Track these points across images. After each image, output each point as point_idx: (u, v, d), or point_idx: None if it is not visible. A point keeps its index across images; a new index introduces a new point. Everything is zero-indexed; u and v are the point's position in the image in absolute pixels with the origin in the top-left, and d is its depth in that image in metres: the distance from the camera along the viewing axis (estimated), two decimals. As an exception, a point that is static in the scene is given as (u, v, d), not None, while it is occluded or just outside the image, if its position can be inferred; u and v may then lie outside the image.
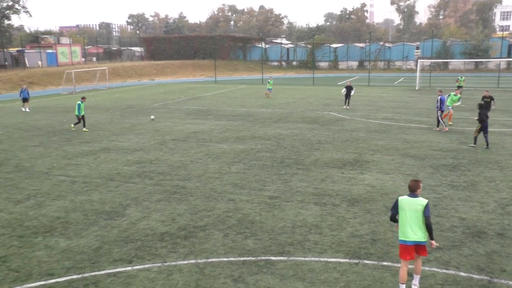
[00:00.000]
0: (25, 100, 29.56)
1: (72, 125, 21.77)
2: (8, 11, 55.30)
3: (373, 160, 15.59)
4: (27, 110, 29.40)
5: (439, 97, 20.74)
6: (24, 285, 7.53)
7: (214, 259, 8.39)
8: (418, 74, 44.64)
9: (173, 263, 8.27)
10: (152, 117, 17.96)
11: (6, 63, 56.64)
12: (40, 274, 7.87)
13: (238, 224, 10.01)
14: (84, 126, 21.56)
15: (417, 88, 42.64)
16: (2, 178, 13.72)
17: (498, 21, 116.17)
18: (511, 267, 8.04)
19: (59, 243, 9.13)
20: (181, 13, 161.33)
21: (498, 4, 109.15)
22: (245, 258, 8.43)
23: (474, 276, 7.75)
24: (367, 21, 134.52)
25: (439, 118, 20.80)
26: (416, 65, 51.63)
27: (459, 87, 33.36)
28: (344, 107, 28.88)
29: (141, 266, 8.14)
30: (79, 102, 21.31)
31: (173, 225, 9.98)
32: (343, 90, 29.31)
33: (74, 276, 7.79)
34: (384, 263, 8.23)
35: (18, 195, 12.17)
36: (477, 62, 65.31)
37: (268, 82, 37.05)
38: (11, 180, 13.57)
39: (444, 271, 7.93)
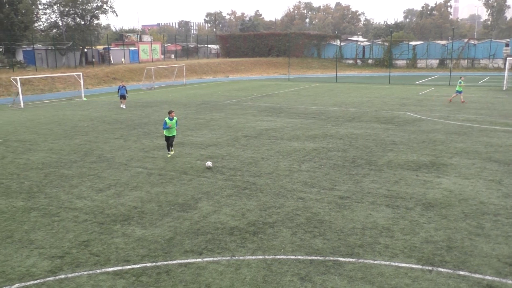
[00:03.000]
0: (122, 97, 29.29)
1: (171, 151, 16.32)
2: (97, 11, 59.02)
3: (451, 163, 14.80)
4: (123, 107, 29.35)
5: None
6: (103, 269, 8.02)
7: (281, 256, 8.41)
8: (506, 73, 41.67)
9: (242, 257, 8.39)
10: (209, 164, 14.49)
11: (94, 60, 60.55)
12: (117, 260, 8.34)
13: (307, 223, 9.95)
14: (168, 149, 16.24)
15: (504, 88, 39.83)
16: (86, 168, 14.70)
17: None
18: None
19: (135, 231, 9.61)
20: (257, 11, 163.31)
21: None
22: (313, 257, 8.36)
23: None
24: (451, 17, 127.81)
25: None
26: (505, 64, 48.21)
27: None
28: None
29: (211, 259, 8.35)
30: (165, 118, 15.86)
31: (242, 220, 10.14)
32: None
33: (148, 264, 8.17)
34: (461, 273, 7.78)
35: (100, 184, 12.97)
36: None
37: (459, 83, 30.54)
38: (95, 169, 14.49)
39: (528, 286, 7.35)
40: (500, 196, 11.51)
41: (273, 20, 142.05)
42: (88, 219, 10.30)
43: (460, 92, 30.45)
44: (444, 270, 7.90)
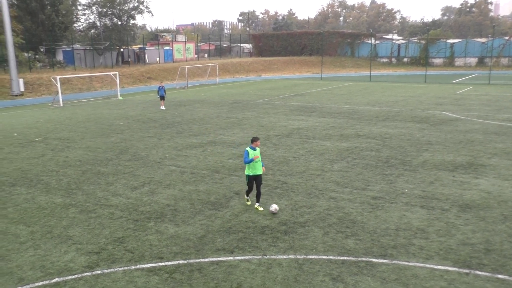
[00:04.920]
0: (162, 98, 28.60)
1: (257, 206, 10.90)
2: (133, 12, 60.27)
3: (490, 164, 14.34)
4: (163, 108, 28.58)
5: None
6: (137, 265, 8.19)
7: (313, 256, 8.36)
8: (549, 71, 40.01)
9: (273, 256, 8.40)
10: (274, 208, 10.49)
11: (130, 59, 61.84)
12: (151, 257, 8.50)
13: (339, 223, 9.86)
14: (249, 194, 11.20)
15: (547, 87, 38.28)
16: (121, 166, 15.04)
17: None
18: None
19: (168, 229, 9.77)
20: (291, 9, 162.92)
21: None
22: (345, 258, 8.28)
23: None
24: (491, 14, 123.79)
25: None
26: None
27: None
28: None
29: (242, 257, 8.39)
30: (247, 148, 10.69)
31: (274, 220, 10.14)
32: None
33: (181, 261, 8.29)
34: (500, 276, 7.54)
35: (134, 181, 13.25)
36: None
37: None
38: (129, 167, 14.81)
39: None
40: (542, 199, 11.08)
41: (307, 19, 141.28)
42: (123, 216, 10.54)
43: None
44: (482, 273, 7.67)
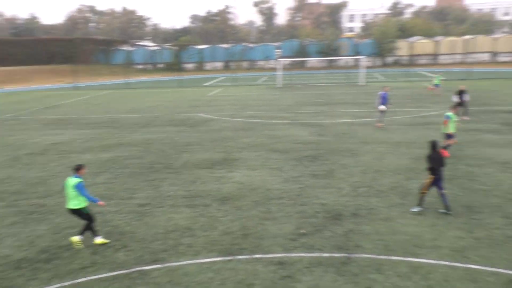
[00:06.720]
0: None
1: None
2: None
3: (240, 157, 16.05)
4: None
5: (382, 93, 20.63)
6: None
7: (82, 279, 7.90)
8: (279, 72, 46.99)
9: (35, 289, 7.58)
10: None
11: None
12: None
13: (108, 237, 9.53)
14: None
15: (279, 86, 44.85)
16: None
17: (346, 23, 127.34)
18: (364, 242, 8.94)
19: None
20: (32, 13, 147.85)
21: (344, 8, 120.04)
22: (117, 273, 8.09)
23: (334, 255, 8.45)
24: (232, 22, 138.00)
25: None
26: (277, 65, 54.38)
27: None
28: (465, 117, 21.45)
29: (-4, 299, 7.33)
30: (78, 180, 9.33)
31: (31, 249, 9.13)
32: (455, 97, 22.52)
33: None
34: (256, 256, 8.54)
35: None
36: (330, 60, 70.97)
37: (436, 78, 34.42)
38: None
39: (310, 254, 8.52)
40: (282, 182, 13.00)
41: (53, 24, 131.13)
42: None
43: (437, 85, 33.42)
44: (242, 257, 8.56)
